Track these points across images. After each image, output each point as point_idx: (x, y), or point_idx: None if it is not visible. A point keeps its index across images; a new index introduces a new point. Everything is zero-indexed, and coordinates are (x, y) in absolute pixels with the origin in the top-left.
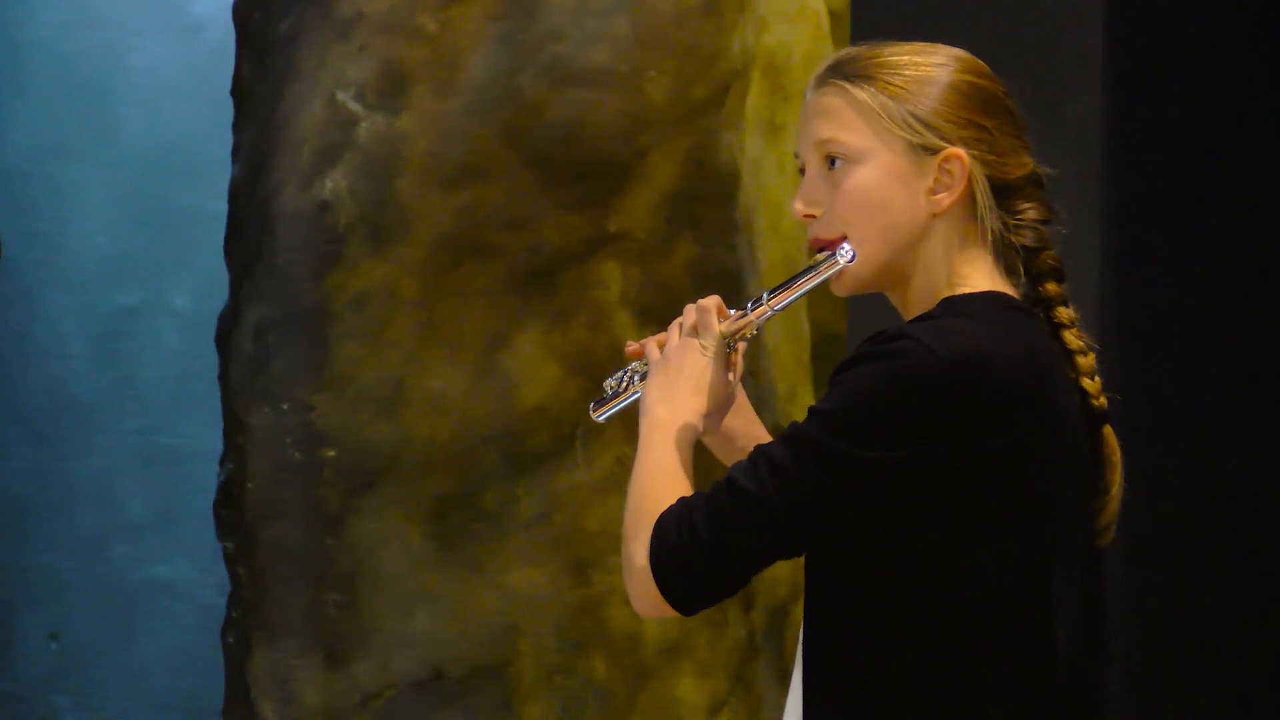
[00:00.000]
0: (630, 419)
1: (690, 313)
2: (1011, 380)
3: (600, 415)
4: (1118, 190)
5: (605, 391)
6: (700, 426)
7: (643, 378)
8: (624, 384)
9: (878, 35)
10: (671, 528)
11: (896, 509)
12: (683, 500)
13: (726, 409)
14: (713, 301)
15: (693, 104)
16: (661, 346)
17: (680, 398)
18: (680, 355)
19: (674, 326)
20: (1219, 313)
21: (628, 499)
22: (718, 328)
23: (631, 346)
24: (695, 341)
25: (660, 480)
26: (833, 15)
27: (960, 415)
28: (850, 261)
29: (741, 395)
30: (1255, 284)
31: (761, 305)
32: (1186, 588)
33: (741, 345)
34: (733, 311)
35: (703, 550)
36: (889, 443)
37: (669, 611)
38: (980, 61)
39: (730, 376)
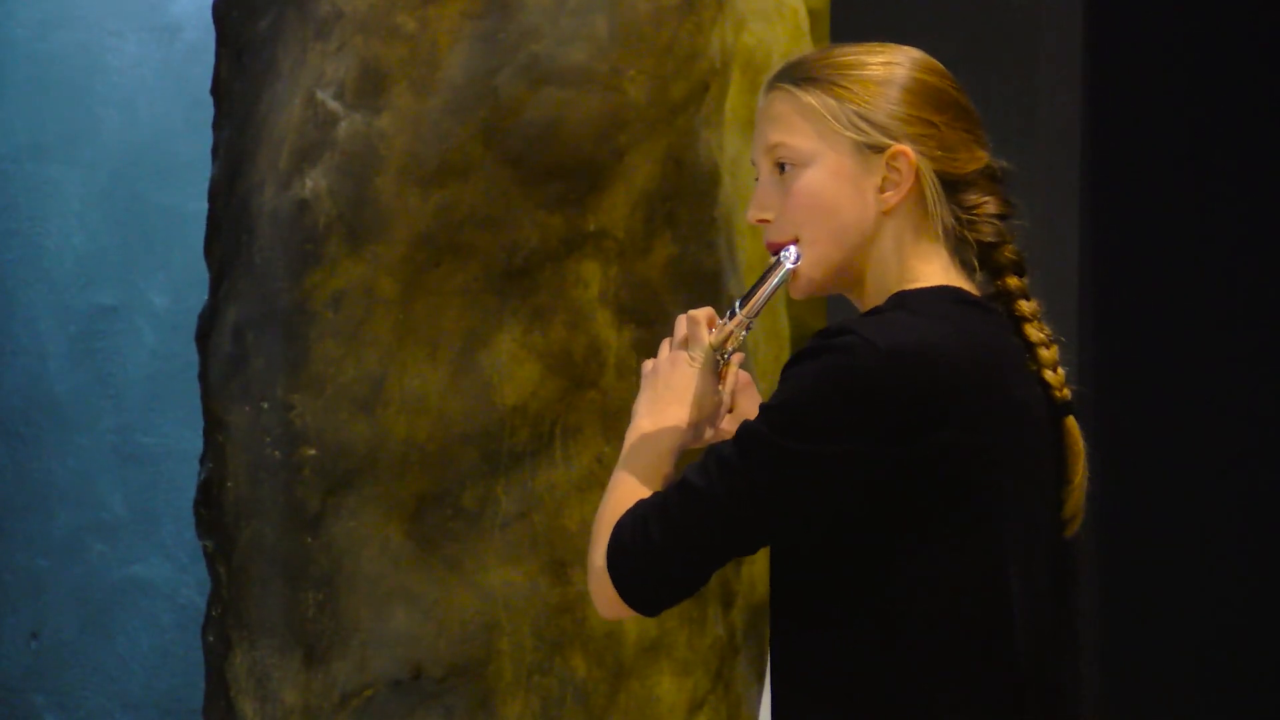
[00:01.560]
0: (609, 416)
1: (681, 325)
2: (956, 375)
3: (749, 313)
4: (1096, 188)
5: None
6: (685, 437)
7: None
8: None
9: (857, 33)
10: (627, 530)
11: (844, 504)
12: (640, 503)
13: (716, 418)
14: (704, 313)
15: (671, 103)
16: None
17: (665, 409)
18: (669, 368)
19: (665, 341)
20: (1197, 308)
21: (599, 507)
22: (707, 339)
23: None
24: (684, 354)
25: (628, 488)
26: (812, 14)
27: (902, 410)
28: (795, 263)
29: (750, 400)
30: (1234, 280)
31: (736, 315)
32: (1161, 579)
33: (737, 356)
34: (720, 321)
35: (655, 550)
36: (832, 438)
37: (629, 612)
38: (932, 59)
39: (721, 387)
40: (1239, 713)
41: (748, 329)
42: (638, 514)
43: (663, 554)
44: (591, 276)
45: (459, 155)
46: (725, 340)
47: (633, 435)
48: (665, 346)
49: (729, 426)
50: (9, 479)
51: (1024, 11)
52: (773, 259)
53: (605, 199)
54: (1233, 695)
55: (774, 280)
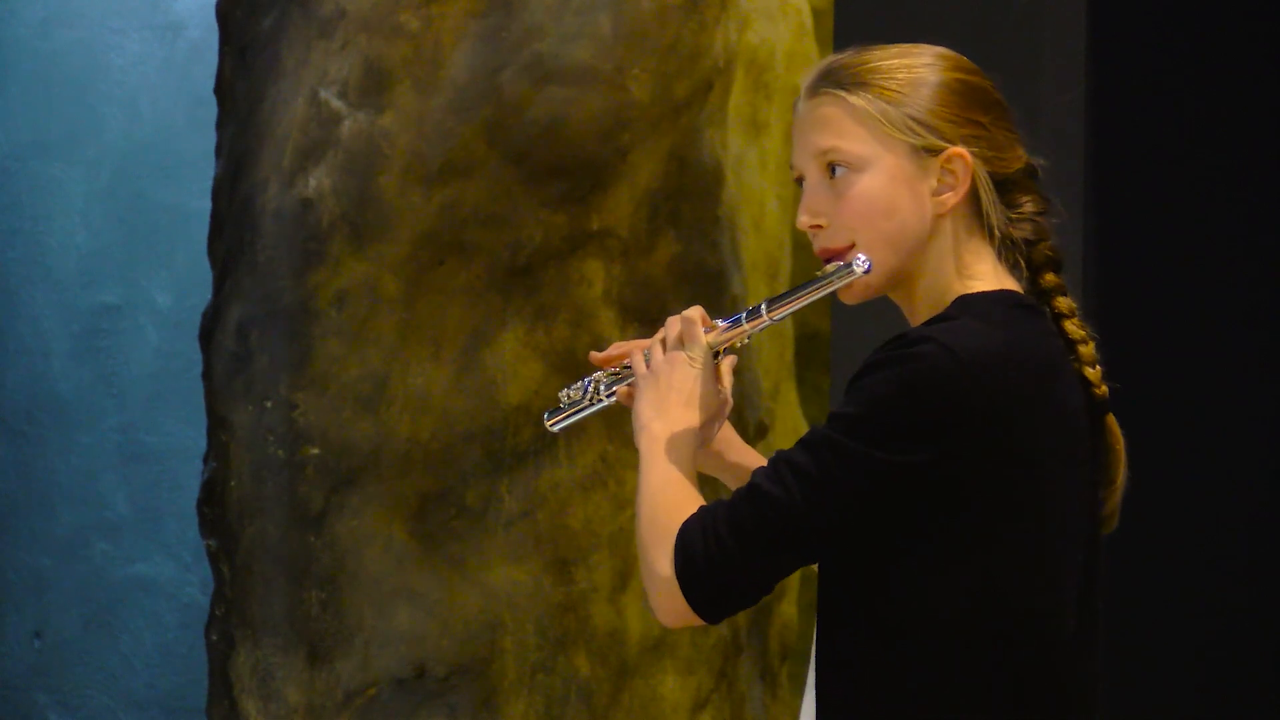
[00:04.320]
0: (612, 416)
1: (674, 324)
2: (1026, 381)
3: (555, 425)
4: (1100, 185)
5: (560, 401)
6: (697, 439)
7: (608, 388)
8: (587, 394)
9: (861, 32)
10: (696, 537)
11: (917, 512)
12: (704, 509)
13: (719, 419)
14: (696, 312)
15: (675, 102)
16: (647, 358)
17: (673, 412)
18: (669, 369)
19: (656, 339)
20: (1200, 306)
21: (639, 514)
22: (704, 339)
23: (594, 356)
24: (682, 354)
25: (671, 492)
26: (815, 13)
27: (980, 417)
28: (867, 271)
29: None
30: (1237, 278)
31: (760, 316)
32: (1170, 576)
33: (730, 358)
34: (719, 322)
35: (729, 558)
36: (912, 445)
37: (696, 621)
38: (965, 58)
39: (720, 387)
40: (1239, 713)
41: (750, 337)
42: (705, 522)
43: (737, 563)
44: (595, 275)
45: (462, 154)
46: (730, 340)
47: (649, 440)
48: (658, 348)
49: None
50: (12, 477)
51: (1027, 11)
52: (832, 265)
53: (609, 198)
54: (1233, 696)
55: (831, 286)
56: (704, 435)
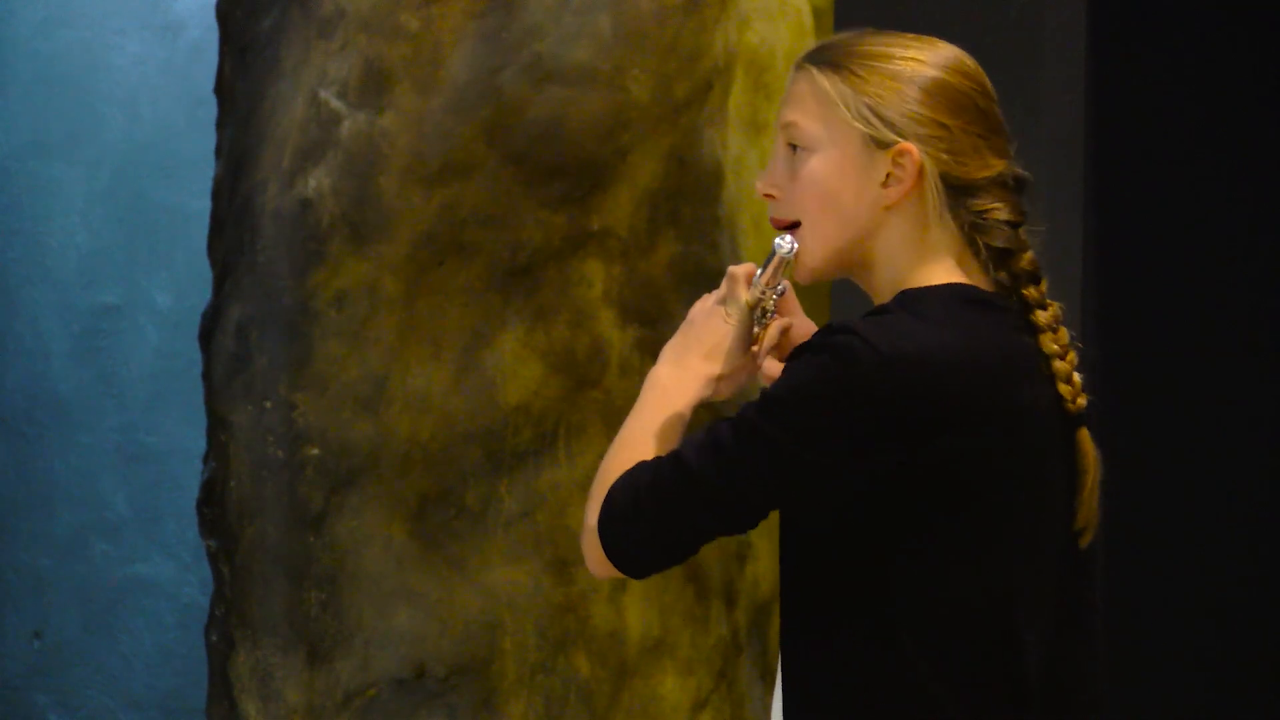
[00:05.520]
0: (613, 415)
1: (725, 280)
2: (956, 380)
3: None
4: (1100, 189)
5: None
6: (707, 390)
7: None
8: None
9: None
10: (620, 493)
11: (834, 505)
12: (638, 465)
13: (741, 377)
14: (743, 270)
15: (675, 102)
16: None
17: (691, 360)
18: (703, 319)
19: (707, 295)
20: (1201, 306)
21: (605, 456)
22: (744, 297)
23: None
24: (720, 308)
25: (632, 445)
26: (816, 13)
27: (898, 416)
28: (789, 254)
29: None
30: (1237, 277)
31: (755, 285)
32: (1172, 578)
33: (780, 321)
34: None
35: (643, 519)
36: (823, 441)
37: (615, 572)
38: (969, 63)
39: (755, 348)
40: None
41: (765, 305)
42: (631, 479)
43: (650, 525)
44: (595, 275)
45: (462, 154)
46: (759, 302)
47: (649, 384)
48: (708, 298)
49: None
50: (12, 478)
51: (1027, 11)
52: (775, 238)
53: (608, 198)
54: (1234, 696)
55: (775, 264)
56: (720, 388)
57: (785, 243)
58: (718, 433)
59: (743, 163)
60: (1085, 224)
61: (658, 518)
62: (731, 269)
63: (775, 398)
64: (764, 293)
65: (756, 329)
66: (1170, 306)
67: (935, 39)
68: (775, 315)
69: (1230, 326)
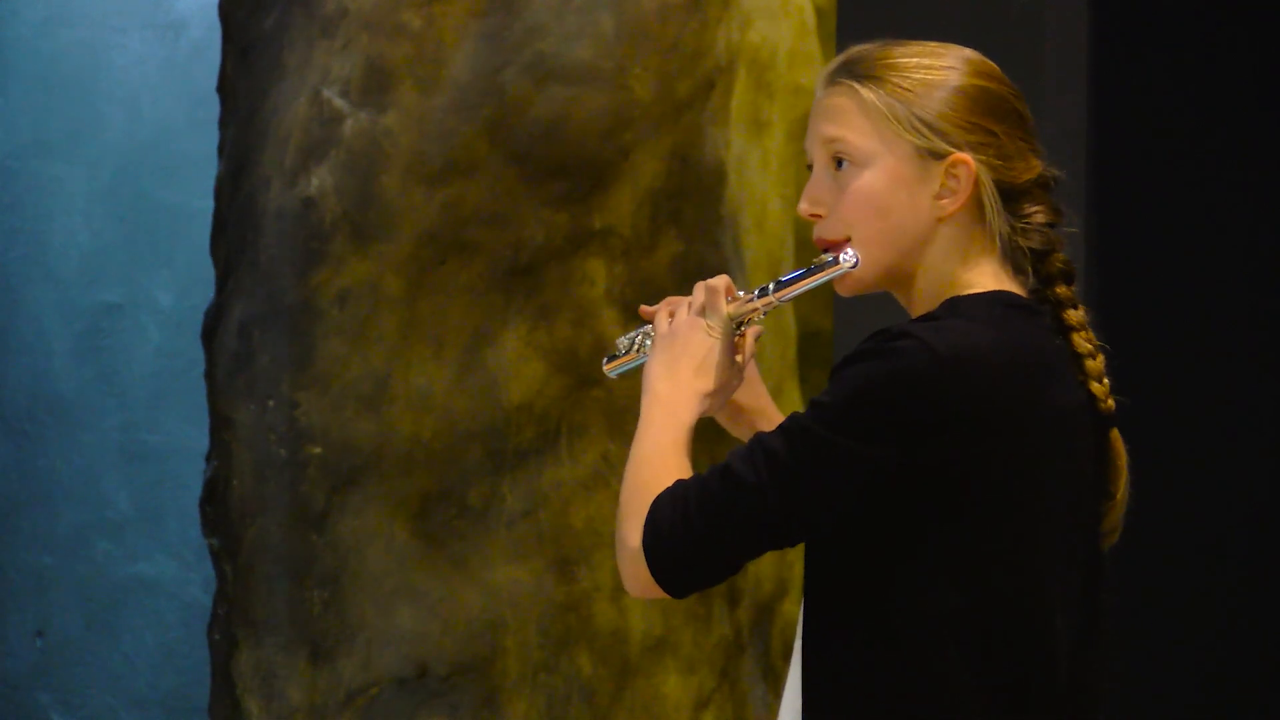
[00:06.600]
0: (614, 414)
1: (699, 292)
2: (1007, 381)
3: (612, 371)
4: (1102, 186)
5: (618, 349)
6: (703, 406)
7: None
8: (635, 344)
9: (863, 32)
10: (666, 511)
11: (889, 506)
12: (679, 483)
13: (730, 390)
14: (721, 282)
15: (677, 100)
16: (671, 318)
17: (683, 376)
18: (687, 333)
19: (682, 303)
20: (1202, 306)
21: (625, 476)
22: (725, 309)
23: (644, 310)
24: (702, 321)
25: (658, 460)
26: (819, 12)
27: (956, 415)
28: (853, 267)
29: (753, 371)
30: (1238, 278)
31: (767, 296)
32: (1174, 580)
33: (754, 329)
34: (741, 294)
35: (695, 536)
36: (884, 439)
37: (660, 593)
38: (992, 64)
39: (738, 358)
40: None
41: (764, 313)
42: (677, 497)
43: (702, 541)
44: (597, 274)
45: (464, 153)
46: (747, 314)
47: (651, 401)
48: (683, 310)
49: (741, 399)
50: (14, 477)
51: (1027, 11)
52: (825, 256)
53: (611, 197)
54: (1234, 696)
55: (822, 277)
56: (713, 404)
57: (850, 256)
58: (768, 445)
59: (745, 161)
60: (1086, 224)
61: (710, 534)
62: (708, 283)
63: (833, 404)
64: (757, 309)
65: (735, 337)
66: (1171, 307)
67: (951, 44)
68: (752, 325)
69: (1231, 327)
